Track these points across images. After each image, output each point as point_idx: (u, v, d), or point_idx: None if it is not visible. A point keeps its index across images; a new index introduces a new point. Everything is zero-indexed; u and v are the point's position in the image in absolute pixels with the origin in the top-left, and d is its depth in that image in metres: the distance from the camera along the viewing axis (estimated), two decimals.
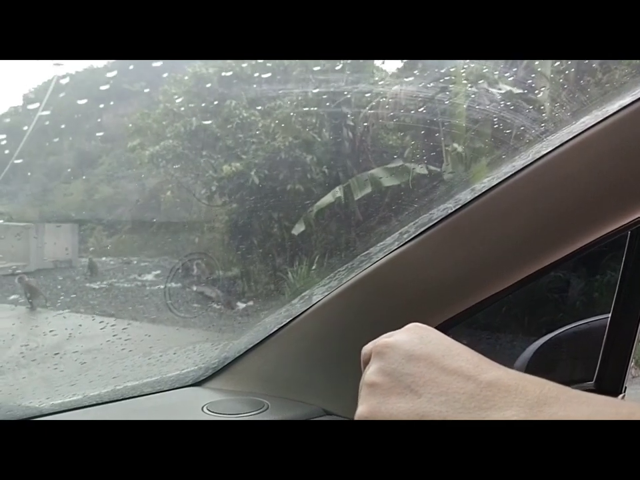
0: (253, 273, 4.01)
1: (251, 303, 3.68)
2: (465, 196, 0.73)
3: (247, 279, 3.91)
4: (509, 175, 0.69)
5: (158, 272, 3.59)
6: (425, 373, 0.42)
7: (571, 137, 0.67)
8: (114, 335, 0.89)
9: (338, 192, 4.09)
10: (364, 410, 0.42)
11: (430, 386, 0.41)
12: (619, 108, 0.64)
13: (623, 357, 0.82)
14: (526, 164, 0.68)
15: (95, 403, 0.76)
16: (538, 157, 0.68)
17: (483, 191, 0.70)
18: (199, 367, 0.85)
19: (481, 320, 0.97)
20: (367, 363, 0.47)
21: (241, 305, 3.67)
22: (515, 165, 0.70)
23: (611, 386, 0.83)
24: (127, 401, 0.77)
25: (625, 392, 0.84)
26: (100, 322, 0.95)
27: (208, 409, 0.76)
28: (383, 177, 4.06)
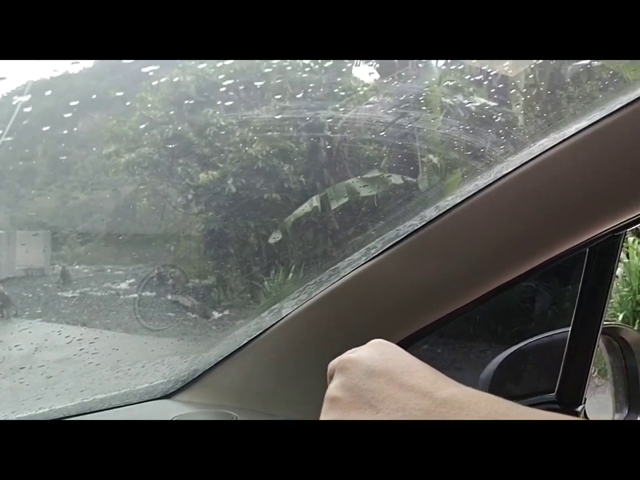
0: (229, 281, 4.00)
1: (227, 312, 3.67)
2: (430, 213, 0.75)
3: (222, 288, 3.90)
4: (472, 193, 0.72)
5: (132, 280, 3.56)
6: (384, 389, 0.43)
7: (532, 156, 0.69)
8: (81, 349, 0.88)
9: (315, 201, 4.10)
10: None
11: (388, 402, 0.42)
12: (582, 128, 0.66)
13: (583, 369, 0.84)
14: (488, 182, 0.71)
15: (61, 416, 0.76)
16: (500, 175, 0.71)
17: (447, 208, 0.73)
18: (168, 380, 0.85)
19: (455, 329, 0.98)
20: (332, 377, 0.48)
21: (216, 314, 3.65)
22: (477, 183, 0.72)
23: (572, 397, 0.86)
24: (95, 414, 0.77)
25: (585, 403, 0.86)
26: (66, 336, 0.94)
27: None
28: (360, 186, 4.09)
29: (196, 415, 0.80)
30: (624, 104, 0.62)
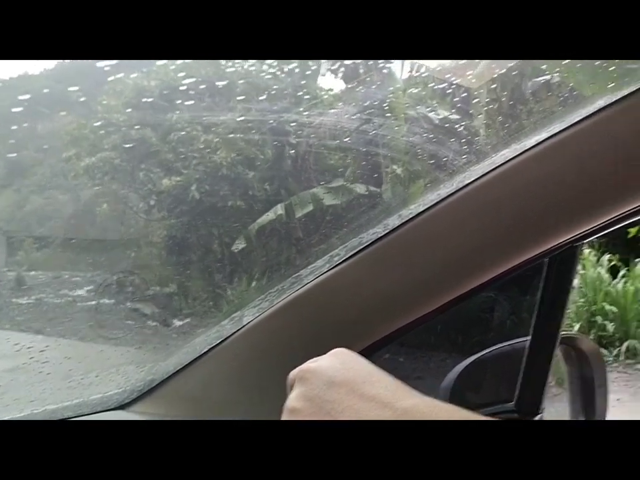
0: (191, 289, 3.94)
1: (188, 320, 3.61)
2: (394, 221, 0.75)
3: (184, 296, 3.84)
4: (434, 202, 0.72)
5: (90, 287, 3.46)
6: (345, 400, 0.43)
7: (494, 166, 0.70)
8: (31, 358, 0.85)
9: (279, 209, 4.09)
10: None
11: (348, 412, 0.42)
12: (542, 140, 0.67)
13: (541, 378, 0.85)
14: (450, 192, 0.71)
15: None
16: (462, 185, 0.71)
17: (410, 217, 0.73)
18: (124, 390, 0.82)
19: (417, 338, 0.99)
20: (292, 387, 0.48)
21: (177, 322, 3.59)
22: (440, 192, 0.72)
23: (530, 406, 0.87)
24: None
25: (543, 411, 0.87)
26: (15, 344, 0.90)
27: None
28: (324, 195, 4.10)
29: None
30: (583, 117, 0.63)
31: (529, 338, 0.86)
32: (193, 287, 3.97)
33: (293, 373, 0.49)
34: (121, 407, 0.82)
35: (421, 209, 0.72)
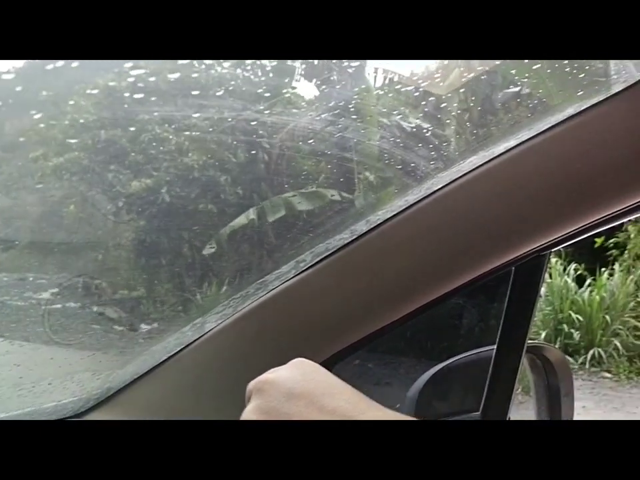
0: (159, 293, 3.86)
1: (155, 324, 3.53)
2: (361, 227, 0.73)
3: (152, 300, 3.76)
4: (402, 208, 0.71)
5: (55, 290, 3.37)
6: (303, 413, 0.41)
7: (461, 173, 0.69)
8: None
9: (251, 214, 4.06)
10: None
11: None
12: (510, 147, 0.67)
13: (508, 387, 0.85)
14: (418, 198, 0.70)
15: None
16: (430, 192, 0.70)
17: (378, 223, 0.72)
18: (79, 398, 0.79)
19: (386, 345, 0.98)
20: (249, 399, 0.46)
21: (145, 327, 3.51)
22: (407, 199, 0.71)
23: (497, 415, 0.86)
24: None
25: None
26: None
27: None
28: (297, 201, 4.08)
29: None
30: (551, 124, 0.63)
31: (495, 347, 0.86)
32: (162, 291, 3.90)
33: (251, 384, 0.47)
34: (76, 415, 0.78)
35: (389, 215, 0.71)
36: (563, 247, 0.77)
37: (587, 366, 5.48)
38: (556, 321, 5.77)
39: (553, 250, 0.74)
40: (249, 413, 0.43)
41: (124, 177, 4.07)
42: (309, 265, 0.73)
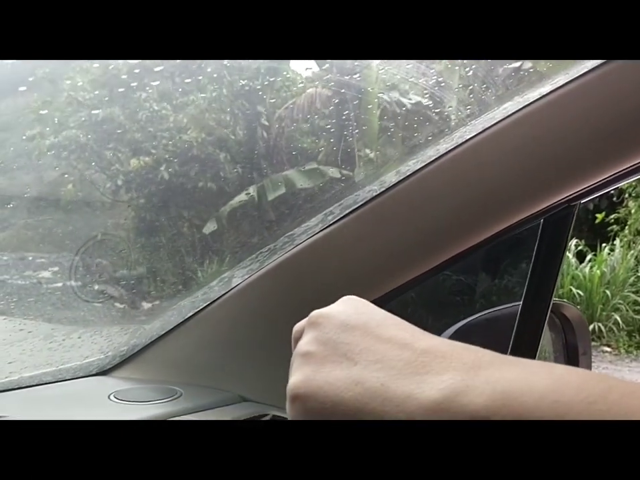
0: (160, 271, 3.86)
1: (157, 302, 3.54)
2: (390, 178, 0.73)
3: (153, 278, 3.75)
4: (432, 158, 0.70)
5: (56, 269, 3.36)
6: (361, 342, 0.41)
7: (493, 122, 0.69)
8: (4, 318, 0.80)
9: (251, 191, 4.03)
10: (297, 379, 0.40)
11: (366, 353, 0.40)
12: (539, 96, 0.66)
13: (533, 343, 0.85)
14: (449, 148, 0.70)
15: None
16: (461, 141, 0.69)
17: (408, 174, 0.71)
18: (106, 355, 0.79)
19: (411, 297, 0.98)
20: (298, 340, 0.45)
21: (146, 305, 3.51)
22: (439, 148, 0.71)
23: None
24: (24, 390, 0.70)
25: None
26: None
27: (115, 397, 0.70)
28: (297, 178, 4.06)
29: (135, 391, 0.74)
30: (589, 69, 0.62)
31: (518, 304, 0.86)
32: (163, 269, 3.89)
33: (300, 324, 0.46)
34: (103, 372, 0.78)
35: (419, 165, 0.70)
36: (590, 199, 0.76)
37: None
38: (557, 295, 5.81)
39: (583, 200, 0.73)
40: (305, 345, 0.42)
41: (122, 155, 4.04)
42: (338, 217, 0.72)
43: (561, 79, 0.64)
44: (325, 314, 0.44)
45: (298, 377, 0.40)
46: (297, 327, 0.47)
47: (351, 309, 0.45)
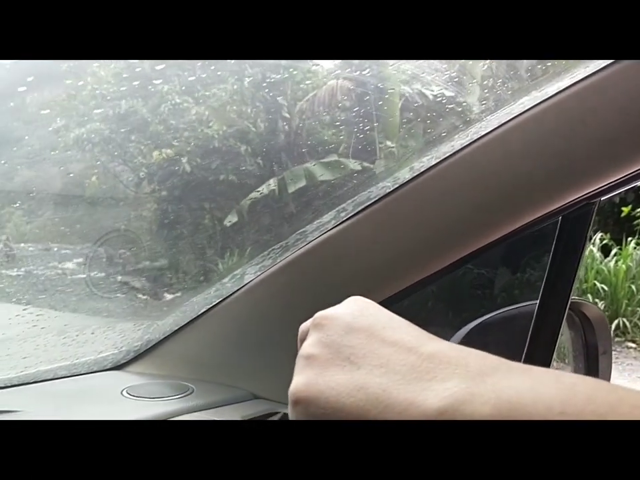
0: (181, 263, 3.89)
1: (179, 294, 3.57)
2: (404, 175, 0.72)
3: (175, 270, 3.79)
4: (447, 155, 0.69)
5: (80, 260, 3.42)
6: (365, 345, 0.40)
7: (510, 117, 0.67)
8: (24, 309, 0.81)
9: (272, 184, 4.04)
10: (299, 382, 0.40)
11: (370, 357, 0.39)
12: (565, 86, 0.64)
13: (550, 342, 0.83)
14: (465, 144, 0.68)
15: (2, 386, 0.70)
16: (476, 137, 0.68)
17: (422, 170, 0.70)
18: (120, 350, 0.79)
19: (408, 313, 0.96)
20: (303, 341, 0.45)
21: (168, 296, 3.55)
22: (453, 145, 0.69)
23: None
24: (39, 384, 0.71)
25: None
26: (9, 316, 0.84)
27: (128, 393, 0.71)
28: (318, 171, 4.05)
29: (148, 386, 0.75)
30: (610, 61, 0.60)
31: (535, 302, 0.84)
32: (184, 261, 3.93)
33: (306, 324, 0.46)
34: (117, 367, 0.79)
35: (434, 162, 0.69)
36: (609, 197, 0.74)
37: (612, 336, 5.44)
38: (581, 290, 5.72)
39: (603, 198, 0.72)
40: (309, 347, 0.42)
41: (145, 147, 4.08)
42: (351, 214, 0.72)
43: (580, 73, 0.62)
44: (330, 315, 0.43)
45: (300, 380, 0.40)
46: (303, 327, 0.46)
47: (356, 310, 0.44)
